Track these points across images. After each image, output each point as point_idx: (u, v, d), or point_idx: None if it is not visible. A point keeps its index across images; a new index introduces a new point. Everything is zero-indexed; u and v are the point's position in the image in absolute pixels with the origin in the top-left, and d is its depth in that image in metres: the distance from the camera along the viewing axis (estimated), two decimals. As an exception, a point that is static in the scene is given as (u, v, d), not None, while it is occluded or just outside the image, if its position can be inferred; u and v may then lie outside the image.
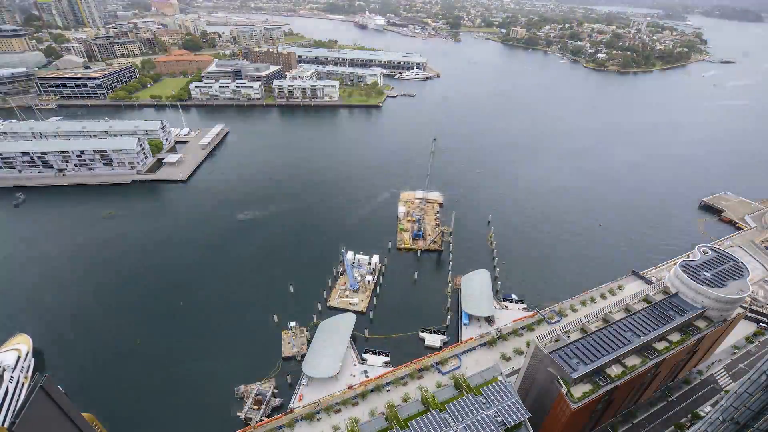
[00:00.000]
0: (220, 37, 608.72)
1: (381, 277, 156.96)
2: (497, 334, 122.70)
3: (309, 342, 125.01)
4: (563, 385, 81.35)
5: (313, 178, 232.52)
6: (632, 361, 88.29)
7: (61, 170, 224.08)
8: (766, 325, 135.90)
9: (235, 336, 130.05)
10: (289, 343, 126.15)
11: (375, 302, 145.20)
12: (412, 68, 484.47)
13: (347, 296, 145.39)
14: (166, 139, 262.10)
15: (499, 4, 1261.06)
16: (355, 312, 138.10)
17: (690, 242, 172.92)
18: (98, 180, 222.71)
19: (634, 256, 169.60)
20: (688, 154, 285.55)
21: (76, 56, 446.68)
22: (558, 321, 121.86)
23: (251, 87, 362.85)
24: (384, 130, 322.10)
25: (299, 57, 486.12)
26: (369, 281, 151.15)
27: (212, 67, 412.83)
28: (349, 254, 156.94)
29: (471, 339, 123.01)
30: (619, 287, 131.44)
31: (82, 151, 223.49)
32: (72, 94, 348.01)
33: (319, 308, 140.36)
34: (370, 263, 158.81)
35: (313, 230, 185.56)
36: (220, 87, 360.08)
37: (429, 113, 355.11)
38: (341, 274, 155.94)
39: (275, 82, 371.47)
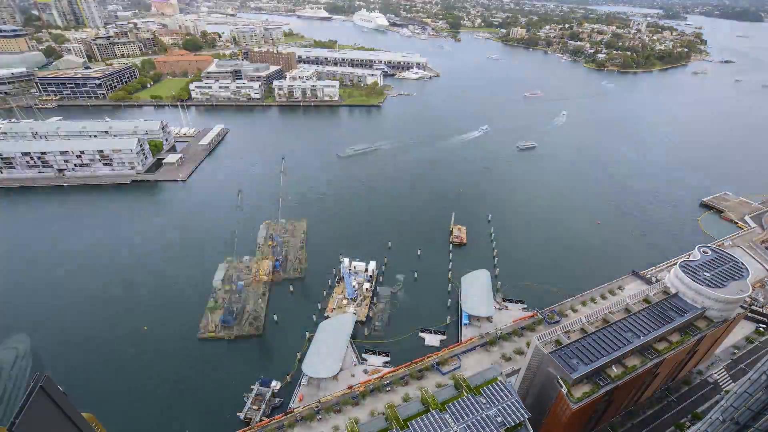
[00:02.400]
0: (220, 37, 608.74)
1: (381, 277, 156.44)
2: (497, 334, 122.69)
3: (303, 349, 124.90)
4: (563, 386, 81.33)
5: (313, 179, 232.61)
6: (632, 361, 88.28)
7: (61, 170, 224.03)
8: (766, 326, 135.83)
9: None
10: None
11: (373, 310, 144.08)
12: (412, 68, 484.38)
13: (344, 305, 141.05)
14: (166, 139, 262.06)
15: (499, 4, 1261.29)
16: (355, 312, 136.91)
17: (690, 242, 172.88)
18: (98, 180, 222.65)
19: (634, 256, 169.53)
20: (688, 154, 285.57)
21: (76, 56, 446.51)
22: (558, 321, 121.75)
23: (251, 87, 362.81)
24: (384, 130, 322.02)
25: (299, 57, 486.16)
26: (366, 288, 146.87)
27: (212, 68, 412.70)
28: (345, 261, 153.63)
29: (471, 339, 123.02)
30: (619, 287, 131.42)
31: (82, 151, 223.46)
32: (72, 94, 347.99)
33: (314, 319, 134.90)
34: (367, 270, 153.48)
35: (309, 233, 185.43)
36: (220, 87, 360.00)
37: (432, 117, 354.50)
38: (338, 283, 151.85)
39: (275, 82, 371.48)
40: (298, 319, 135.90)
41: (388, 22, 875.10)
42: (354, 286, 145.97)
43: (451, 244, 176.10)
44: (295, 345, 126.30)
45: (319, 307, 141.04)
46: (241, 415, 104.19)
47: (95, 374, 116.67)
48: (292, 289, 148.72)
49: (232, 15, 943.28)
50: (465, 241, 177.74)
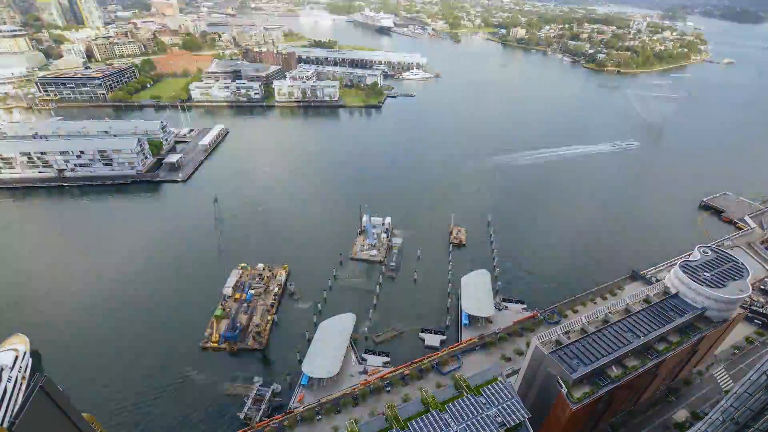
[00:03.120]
0: (219, 37, 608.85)
1: (381, 277, 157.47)
2: (497, 335, 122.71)
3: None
4: (563, 386, 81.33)
5: (311, 177, 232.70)
6: (632, 361, 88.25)
7: (61, 170, 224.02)
8: (766, 326, 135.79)
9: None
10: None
11: (375, 302, 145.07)
12: (412, 68, 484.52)
13: (366, 249, 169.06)
14: (166, 140, 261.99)
15: (499, 4, 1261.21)
16: (373, 261, 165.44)
17: (690, 242, 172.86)
18: (98, 180, 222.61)
19: (634, 257, 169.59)
20: (689, 154, 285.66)
21: (76, 56, 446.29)
22: (558, 321, 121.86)
23: (251, 87, 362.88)
24: (384, 130, 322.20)
25: (299, 57, 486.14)
26: (384, 237, 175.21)
27: (212, 68, 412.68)
28: (366, 216, 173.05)
29: (471, 339, 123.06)
30: (619, 288, 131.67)
31: (82, 151, 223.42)
32: (72, 94, 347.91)
33: (320, 308, 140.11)
34: (383, 224, 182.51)
35: (310, 232, 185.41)
36: (220, 87, 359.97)
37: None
38: (360, 233, 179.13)
39: (275, 83, 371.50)
40: (300, 324, 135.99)
41: (394, 23, 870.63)
42: (374, 235, 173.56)
43: (450, 245, 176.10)
44: (296, 349, 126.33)
45: (320, 308, 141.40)
46: (241, 415, 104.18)
47: (95, 374, 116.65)
48: (293, 289, 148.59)
49: (232, 15, 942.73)
50: (464, 242, 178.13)
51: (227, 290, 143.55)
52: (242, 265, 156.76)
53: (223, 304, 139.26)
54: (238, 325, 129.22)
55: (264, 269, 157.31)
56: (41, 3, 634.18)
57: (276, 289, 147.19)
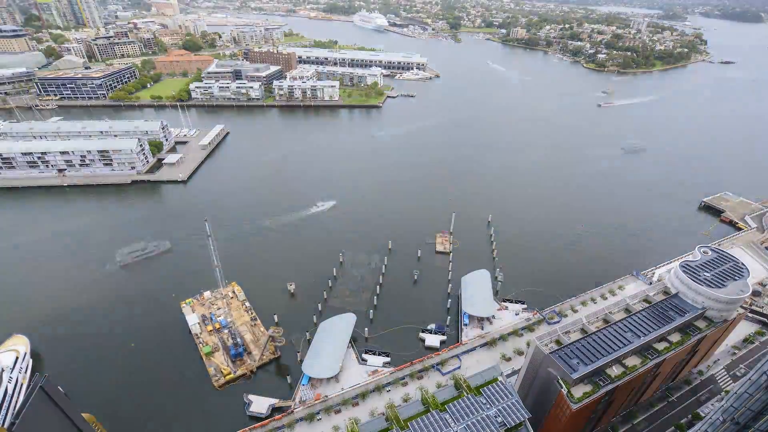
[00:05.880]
0: (220, 37, 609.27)
1: (381, 277, 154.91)
2: (497, 335, 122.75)
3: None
4: (563, 386, 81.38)
5: (311, 179, 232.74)
6: (632, 361, 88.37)
7: (61, 170, 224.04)
8: (766, 326, 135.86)
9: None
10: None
11: (375, 302, 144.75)
12: (412, 69, 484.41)
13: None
14: (166, 140, 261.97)
15: (499, 4, 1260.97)
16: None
17: (690, 242, 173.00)
18: (98, 180, 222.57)
19: (634, 256, 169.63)
20: (689, 154, 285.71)
21: (76, 56, 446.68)
22: (558, 321, 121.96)
23: (251, 87, 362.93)
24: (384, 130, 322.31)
25: (299, 57, 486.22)
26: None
27: (212, 68, 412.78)
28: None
29: (471, 339, 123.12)
30: (620, 287, 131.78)
31: (82, 151, 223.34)
32: (72, 94, 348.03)
33: (320, 308, 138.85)
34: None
35: (311, 233, 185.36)
36: (220, 87, 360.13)
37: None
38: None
39: (275, 83, 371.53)
40: (301, 322, 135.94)
41: (388, 22, 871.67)
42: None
43: (450, 245, 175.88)
44: (296, 349, 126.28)
45: (320, 308, 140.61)
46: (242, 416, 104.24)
47: (95, 374, 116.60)
48: (292, 289, 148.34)
49: (232, 15, 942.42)
50: (449, 249, 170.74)
51: (194, 327, 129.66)
52: (187, 300, 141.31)
53: (201, 341, 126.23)
54: (239, 340, 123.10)
55: (213, 294, 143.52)
56: (41, 3, 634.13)
57: (245, 305, 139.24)
